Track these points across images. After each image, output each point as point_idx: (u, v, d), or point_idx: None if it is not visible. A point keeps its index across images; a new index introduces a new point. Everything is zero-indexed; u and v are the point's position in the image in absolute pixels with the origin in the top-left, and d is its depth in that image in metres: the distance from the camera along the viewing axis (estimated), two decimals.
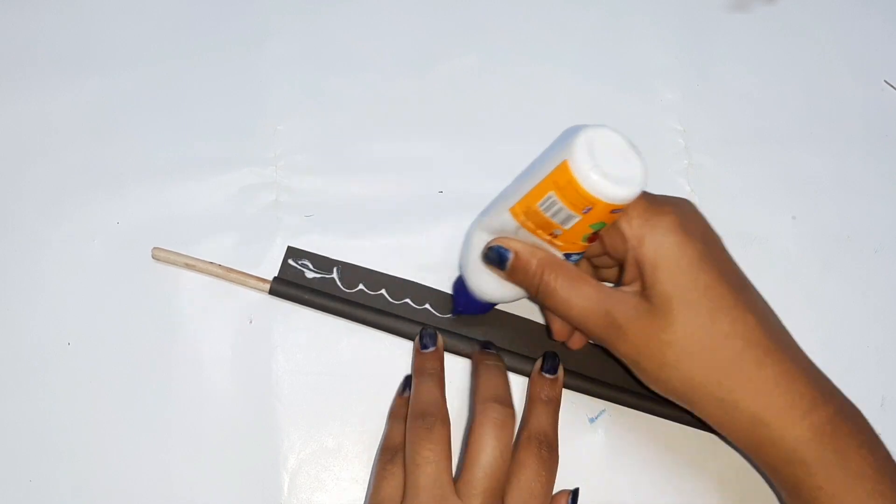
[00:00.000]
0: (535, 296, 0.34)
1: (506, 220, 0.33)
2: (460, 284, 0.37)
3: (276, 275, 0.38)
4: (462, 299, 0.37)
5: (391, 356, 0.38)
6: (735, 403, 0.30)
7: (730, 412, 0.31)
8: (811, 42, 0.44)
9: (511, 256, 0.33)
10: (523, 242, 0.33)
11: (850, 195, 0.42)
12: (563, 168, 0.30)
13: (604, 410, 0.38)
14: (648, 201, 0.32)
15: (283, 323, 0.38)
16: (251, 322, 0.38)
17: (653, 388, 0.32)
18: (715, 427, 0.32)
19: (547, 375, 0.36)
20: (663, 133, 0.42)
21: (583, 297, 0.32)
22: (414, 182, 0.41)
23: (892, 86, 0.44)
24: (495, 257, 0.33)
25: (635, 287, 0.32)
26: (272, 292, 0.38)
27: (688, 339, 0.30)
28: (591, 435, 0.37)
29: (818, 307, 0.40)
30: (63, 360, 0.37)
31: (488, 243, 0.34)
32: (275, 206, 0.40)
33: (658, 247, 0.31)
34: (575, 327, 0.35)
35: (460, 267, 0.37)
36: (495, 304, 0.38)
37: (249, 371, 0.38)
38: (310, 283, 0.38)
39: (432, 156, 0.41)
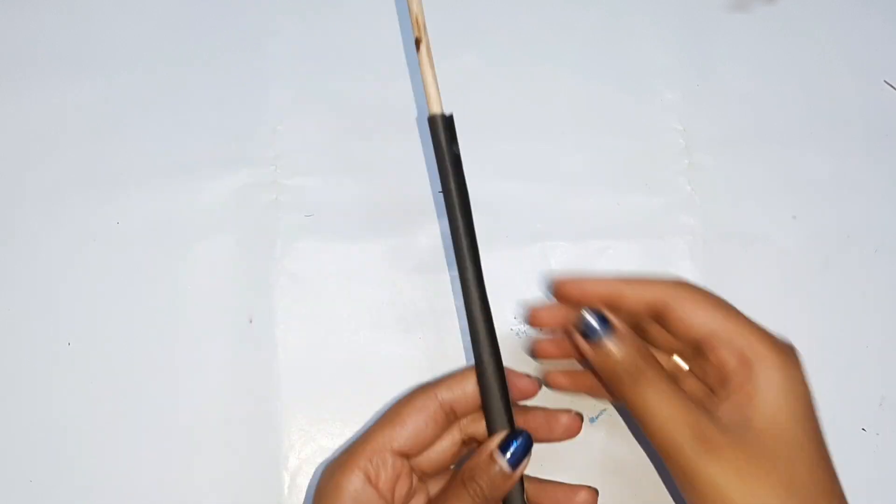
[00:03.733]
0: (617, 386, 0.31)
1: None
2: None
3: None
4: None
5: (391, 356, 0.38)
6: None
7: None
8: (811, 42, 0.44)
9: (615, 333, 0.30)
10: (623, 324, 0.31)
11: (850, 195, 0.42)
12: None
13: (604, 410, 0.38)
14: (771, 335, 0.30)
15: (284, 322, 0.38)
16: (251, 322, 0.38)
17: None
18: None
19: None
20: (663, 133, 0.42)
21: (674, 408, 0.30)
22: (414, 182, 0.41)
23: (892, 86, 0.44)
24: (593, 324, 0.31)
25: (731, 415, 0.30)
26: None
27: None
28: (591, 435, 0.37)
29: (818, 307, 0.40)
30: (63, 360, 0.37)
31: (585, 308, 0.31)
32: (275, 206, 0.40)
33: (784, 392, 0.29)
34: (646, 433, 0.31)
35: None
36: None
37: (249, 371, 0.38)
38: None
39: (432, 156, 0.41)
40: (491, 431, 0.32)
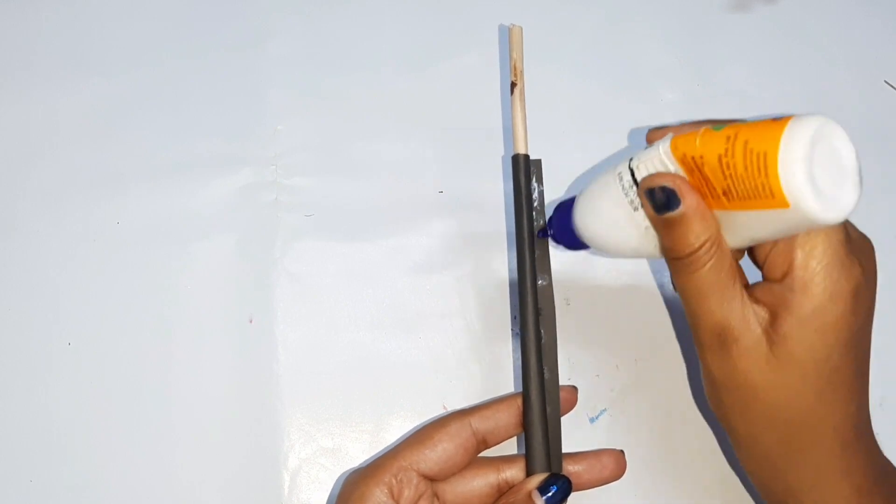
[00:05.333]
0: (674, 263, 0.29)
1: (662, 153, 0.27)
2: (565, 211, 0.32)
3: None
4: (560, 220, 0.33)
5: (391, 356, 0.38)
6: (787, 480, 0.29)
7: (778, 477, 0.30)
8: (811, 42, 0.44)
9: (682, 209, 0.27)
10: (700, 199, 0.27)
11: None
12: (772, 130, 0.24)
13: (604, 410, 0.38)
14: (845, 238, 0.28)
15: (284, 322, 0.38)
16: (251, 322, 0.38)
17: (719, 404, 0.30)
18: (750, 473, 0.31)
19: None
20: None
21: (723, 300, 0.28)
22: (414, 182, 0.41)
23: (892, 86, 0.44)
24: (662, 198, 0.27)
25: (765, 316, 0.28)
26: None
27: (782, 400, 0.28)
28: (591, 435, 0.37)
29: None
30: (63, 360, 0.37)
31: (655, 176, 0.27)
32: (275, 206, 0.40)
33: (820, 306, 0.27)
34: (686, 308, 0.30)
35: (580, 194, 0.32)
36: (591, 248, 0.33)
37: (249, 371, 0.38)
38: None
39: (432, 156, 0.41)
40: (530, 470, 0.32)
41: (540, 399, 0.32)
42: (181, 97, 0.41)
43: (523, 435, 0.33)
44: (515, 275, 0.35)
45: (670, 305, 0.40)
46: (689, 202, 0.27)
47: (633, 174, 0.28)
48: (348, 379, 0.38)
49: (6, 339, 0.38)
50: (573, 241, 0.32)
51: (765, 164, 0.24)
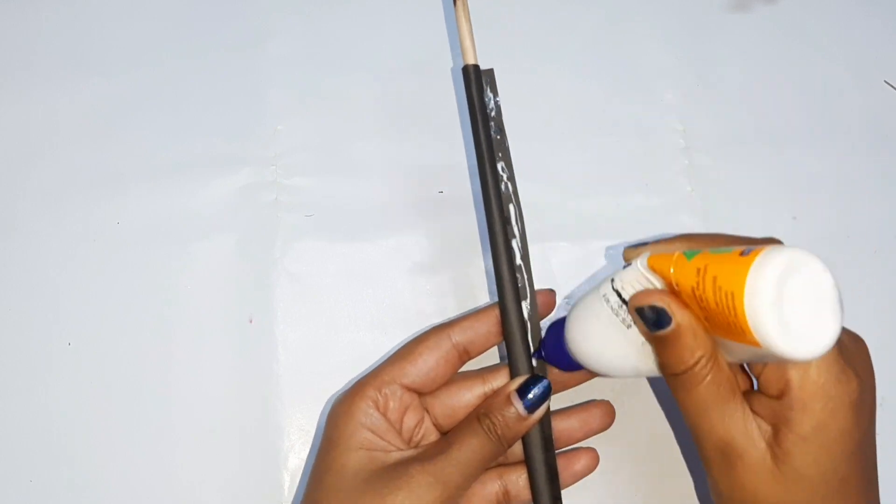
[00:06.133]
0: (672, 379, 0.28)
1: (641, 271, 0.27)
2: (557, 332, 0.32)
3: None
4: (552, 345, 0.32)
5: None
6: None
7: None
8: (811, 42, 0.44)
9: (674, 326, 0.26)
10: (691, 315, 0.26)
11: (850, 195, 0.42)
12: (736, 267, 0.23)
13: None
14: (838, 351, 0.27)
15: (284, 322, 0.38)
16: (251, 322, 0.38)
17: None
18: None
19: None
20: (663, 133, 0.42)
21: (724, 415, 0.28)
22: (414, 182, 0.41)
23: (892, 86, 0.44)
24: (653, 316, 0.27)
25: (768, 429, 0.28)
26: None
27: None
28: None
29: None
30: (63, 360, 0.37)
31: (643, 295, 0.27)
32: (275, 206, 0.40)
33: (822, 423, 0.27)
34: (688, 423, 0.29)
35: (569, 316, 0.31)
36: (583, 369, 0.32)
37: (249, 371, 0.38)
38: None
39: (432, 156, 0.41)
40: (513, 375, 0.33)
41: (516, 304, 0.33)
42: (181, 97, 0.41)
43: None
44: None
45: None
46: (679, 318, 0.26)
47: (619, 294, 0.28)
48: (348, 379, 0.38)
49: (6, 339, 0.38)
50: (569, 364, 0.31)
51: (733, 305, 0.23)
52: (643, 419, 0.38)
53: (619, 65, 0.43)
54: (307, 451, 0.37)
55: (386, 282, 0.39)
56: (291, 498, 0.36)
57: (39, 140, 0.41)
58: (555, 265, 0.40)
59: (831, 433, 0.27)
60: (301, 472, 0.37)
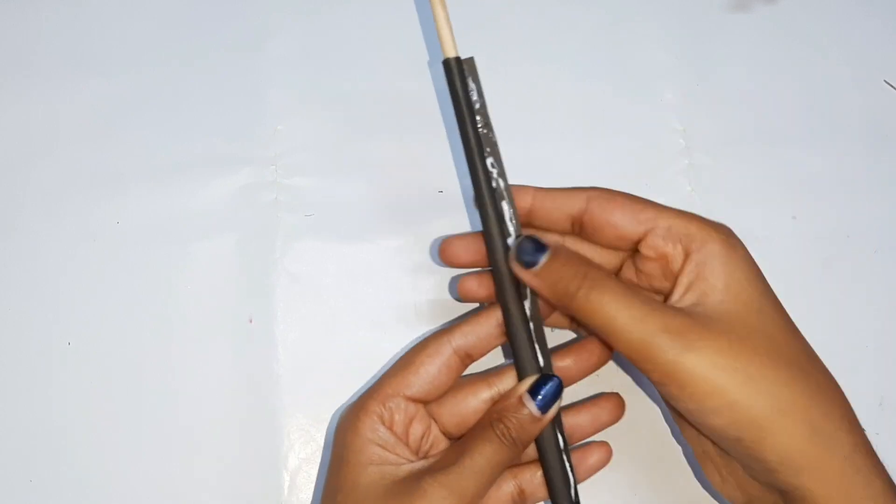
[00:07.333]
0: (569, 303, 0.30)
1: None
2: None
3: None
4: None
5: (392, 356, 0.38)
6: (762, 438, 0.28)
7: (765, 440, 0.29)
8: (811, 42, 0.44)
9: (549, 252, 0.29)
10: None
11: (850, 195, 0.42)
12: None
13: None
14: (704, 218, 0.30)
15: (284, 322, 0.38)
16: (251, 322, 0.38)
17: (694, 410, 0.29)
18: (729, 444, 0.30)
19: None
20: (663, 133, 0.42)
21: (633, 307, 0.29)
22: (414, 182, 0.41)
23: (892, 86, 0.44)
24: (529, 249, 0.30)
25: (687, 303, 0.29)
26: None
27: (745, 365, 0.28)
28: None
29: (818, 307, 0.40)
30: (63, 360, 0.37)
31: (521, 236, 0.30)
32: (275, 206, 0.40)
33: (734, 266, 0.29)
34: (611, 342, 0.30)
35: None
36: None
37: (249, 371, 0.38)
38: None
39: (432, 156, 0.41)
40: (521, 376, 0.32)
41: (518, 304, 0.32)
42: (181, 97, 0.41)
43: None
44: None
45: None
46: (549, 240, 0.30)
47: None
48: (348, 379, 0.38)
49: (6, 339, 0.38)
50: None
51: None
52: (643, 419, 0.38)
53: (619, 65, 0.43)
54: (307, 451, 0.37)
55: (386, 282, 0.39)
56: (291, 498, 0.36)
57: (39, 140, 0.41)
58: None
59: (725, 265, 0.29)
60: (301, 471, 0.37)
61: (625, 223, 0.31)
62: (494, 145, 0.33)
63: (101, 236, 0.39)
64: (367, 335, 0.38)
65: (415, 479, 0.30)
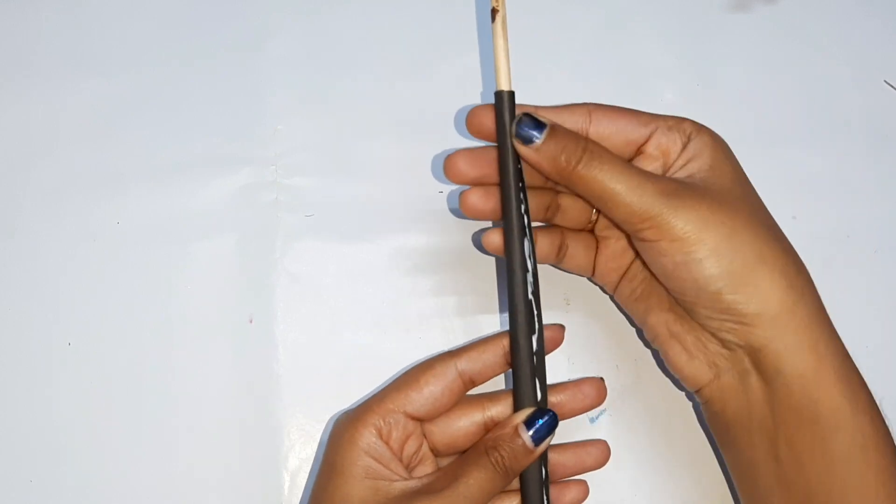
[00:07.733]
0: (569, 176, 0.31)
1: None
2: None
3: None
4: None
5: (392, 356, 0.38)
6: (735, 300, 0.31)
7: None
8: (811, 42, 0.44)
9: (548, 128, 0.31)
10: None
11: (850, 195, 0.42)
12: None
13: (604, 410, 0.38)
14: (694, 121, 0.34)
15: (284, 322, 0.38)
16: (251, 322, 0.38)
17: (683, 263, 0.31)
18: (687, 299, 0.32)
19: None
20: None
21: (631, 175, 0.31)
22: (414, 182, 0.41)
23: (892, 86, 0.44)
24: (529, 125, 0.31)
25: (680, 176, 0.33)
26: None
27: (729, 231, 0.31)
28: (591, 435, 0.37)
29: None
30: (63, 360, 0.37)
31: (520, 114, 0.32)
32: (275, 206, 0.40)
33: (721, 152, 0.33)
34: (609, 210, 0.32)
35: None
36: None
37: (249, 371, 0.38)
38: None
39: (432, 156, 0.41)
40: (518, 406, 0.32)
41: (527, 339, 0.32)
42: (181, 97, 0.41)
43: (508, 373, 0.33)
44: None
45: None
46: (546, 117, 0.32)
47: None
48: (348, 379, 0.38)
49: (6, 339, 0.38)
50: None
51: None
52: (643, 419, 0.38)
53: (619, 65, 0.43)
54: (307, 451, 0.37)
55: (386, 282, 0.39)
56: (291, 498, 0.36)
57: (39, 140, 0.41)
58: (555, 269, 0.40)
59: (713, 150, 0.33)
60: (301, 471, 0.37)
61: (631, 128, 0.34)
62: (523, 179, 0.33)
63: (101, 236, 0.39)
64: (367, 335, 0.38)
65: (407, 499, 0.30)
